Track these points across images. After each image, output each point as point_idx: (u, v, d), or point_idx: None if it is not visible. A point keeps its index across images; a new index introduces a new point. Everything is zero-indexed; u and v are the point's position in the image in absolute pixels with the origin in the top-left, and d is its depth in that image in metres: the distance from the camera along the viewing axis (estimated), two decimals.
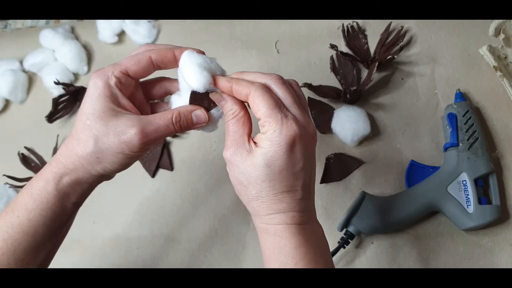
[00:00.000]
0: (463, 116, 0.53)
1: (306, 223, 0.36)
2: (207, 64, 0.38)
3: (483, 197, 0.51)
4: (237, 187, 0.37)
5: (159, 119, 0.37)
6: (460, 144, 0.52)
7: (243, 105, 0.37)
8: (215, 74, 0.38)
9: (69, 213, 0.38)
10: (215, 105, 0.39)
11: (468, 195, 0.50)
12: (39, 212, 0.37)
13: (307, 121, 0.36)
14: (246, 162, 0.35)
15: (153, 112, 0.43)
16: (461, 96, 0.56)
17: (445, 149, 0.54)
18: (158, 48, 0.38)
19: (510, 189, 0.53)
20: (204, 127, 0.40)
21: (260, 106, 0.34)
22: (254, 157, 0.35)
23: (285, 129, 0.34)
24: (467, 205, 0.50)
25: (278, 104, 0.35)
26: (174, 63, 0.39)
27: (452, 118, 0.53)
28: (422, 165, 0.54)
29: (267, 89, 0.35)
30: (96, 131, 0.36)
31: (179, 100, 0.40)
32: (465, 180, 0.51)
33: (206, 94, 0.38)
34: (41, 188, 0.37)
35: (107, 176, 0.39)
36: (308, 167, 0.36)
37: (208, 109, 0.39)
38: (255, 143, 0.36)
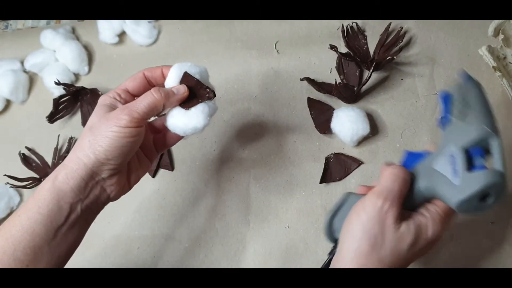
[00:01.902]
0: (462, 95, 0.43)
1: None
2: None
3: (478, 166, 0.38)
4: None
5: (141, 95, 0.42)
6: (453, 118, 0.42)
7: None
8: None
9: (65, 214, 0.38)
10: (204, 99, 0.43)
11: (455, 166, 0.39)
12: (36, 210, 0.38)
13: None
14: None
15: (153, 131, 0.48)
16: (469, 77, 0.45)
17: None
18: (151, 67, 0.45)
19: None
20: (189, 126, 0.44)
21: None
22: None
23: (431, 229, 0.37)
24: (454, 177, 0.39)
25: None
26: (162, 77, 0.44)
27: (446, 98, 0.44)
28: (417, 152, 0.45)
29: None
30: (91, 123, 0.41)
31: (171, 112, 0.44)
32: (452, 150, 0.40)
33: (197, 84, 0.44)
34: (40, 187, 0.39)
35: (100, 166, 0.39)
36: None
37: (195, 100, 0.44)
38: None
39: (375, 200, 0.37)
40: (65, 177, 0.39)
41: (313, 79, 0.60)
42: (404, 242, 0.36)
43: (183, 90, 0.42)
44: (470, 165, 0.38)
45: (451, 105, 0.43)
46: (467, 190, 0.36)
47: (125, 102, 0.43)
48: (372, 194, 0.38)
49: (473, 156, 0.39)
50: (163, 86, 0.45)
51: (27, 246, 0.37)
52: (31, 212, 0.38)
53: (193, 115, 0.43)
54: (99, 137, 0.39)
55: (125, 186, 0.44)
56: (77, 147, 0.40)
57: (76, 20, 0.72)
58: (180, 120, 0.43)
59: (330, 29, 0.64)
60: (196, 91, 0.43)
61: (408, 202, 0.40)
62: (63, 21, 0.73)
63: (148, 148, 0.47)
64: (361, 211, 0.37)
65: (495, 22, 0.57)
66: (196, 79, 0.43)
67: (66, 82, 0.65)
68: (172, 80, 0.44)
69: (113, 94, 0.43)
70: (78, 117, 0.66)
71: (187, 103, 0.43)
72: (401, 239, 0.36)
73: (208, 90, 0.43)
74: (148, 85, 0.45)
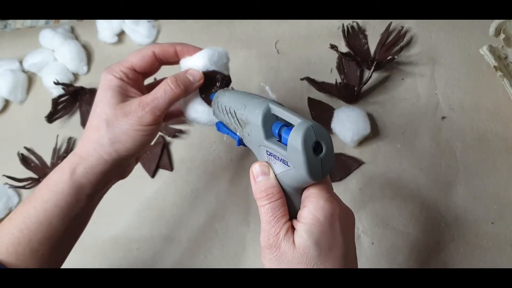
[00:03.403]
0: (218, 108, 0.40)
1: None
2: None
3: (285, 133, 0.34)
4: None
5: (157, 88, 0.40)
6: (239, 134, 0.39)
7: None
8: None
9: (82, 204, 0.39)
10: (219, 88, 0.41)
11: (279, 156, 0.35)
12: (54, 202, 0.38)
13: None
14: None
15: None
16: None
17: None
18: (161, 44, 0.42)
19: None
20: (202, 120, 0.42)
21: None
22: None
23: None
24: (287, 161, 0.35)
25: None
26: (175, 57, 0.42)
27: (219, 125, 0.41)
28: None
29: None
30: (105, 115, 0.39)
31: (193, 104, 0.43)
32: (265, 150, 0.36)
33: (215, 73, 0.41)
34: (57, 179, 0.38)
35: (121, 161, 0.39)
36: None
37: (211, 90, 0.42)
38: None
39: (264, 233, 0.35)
40: (84, 171, 0.38)
41: (313, 79, 0.60)
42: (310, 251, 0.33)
43: (199, 77, 0.41)
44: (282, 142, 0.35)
45: (228, 127, 0.40)
46: (297, 155, 0.32)
47: (133, 83, 0.41)
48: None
49: (280, 133, 0.35)
50: (175, 64, 0.43)
51: (43, 237, 0.37)
52: (48, 204, 0.38)
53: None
54: (120, 135, 0.38)
55: (133, 166, 0.45)
56: (95, 142, 0.39)
57: (75, 20, 0.72)
58: (204, 117, 0.42)
59: (330, 29, 0.64)
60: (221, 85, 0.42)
61: (290, 207, 0.36)
62: (62, 21, 0.73)
63: None
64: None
65: (496, 22, 0.57)
66: (225, 75, 0.42)
67: (65, 82, 0.65)
68: (194, 65, 0.41)
69: (120, 74, 0.40)
70: (77, 117, 0.66)
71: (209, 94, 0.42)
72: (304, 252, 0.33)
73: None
74: (157, 63, 0.42)
